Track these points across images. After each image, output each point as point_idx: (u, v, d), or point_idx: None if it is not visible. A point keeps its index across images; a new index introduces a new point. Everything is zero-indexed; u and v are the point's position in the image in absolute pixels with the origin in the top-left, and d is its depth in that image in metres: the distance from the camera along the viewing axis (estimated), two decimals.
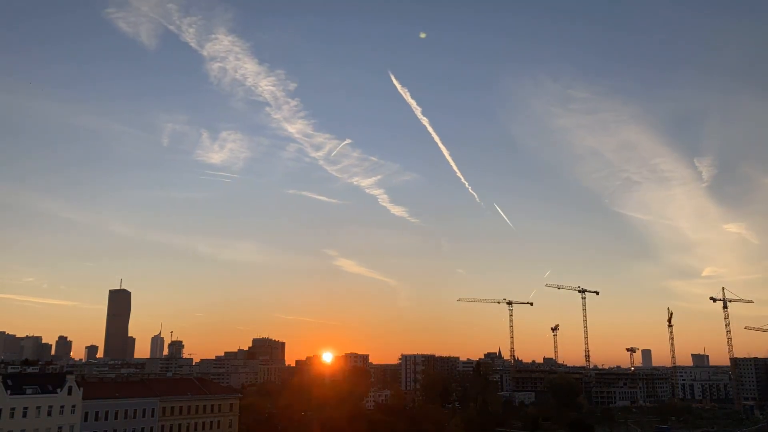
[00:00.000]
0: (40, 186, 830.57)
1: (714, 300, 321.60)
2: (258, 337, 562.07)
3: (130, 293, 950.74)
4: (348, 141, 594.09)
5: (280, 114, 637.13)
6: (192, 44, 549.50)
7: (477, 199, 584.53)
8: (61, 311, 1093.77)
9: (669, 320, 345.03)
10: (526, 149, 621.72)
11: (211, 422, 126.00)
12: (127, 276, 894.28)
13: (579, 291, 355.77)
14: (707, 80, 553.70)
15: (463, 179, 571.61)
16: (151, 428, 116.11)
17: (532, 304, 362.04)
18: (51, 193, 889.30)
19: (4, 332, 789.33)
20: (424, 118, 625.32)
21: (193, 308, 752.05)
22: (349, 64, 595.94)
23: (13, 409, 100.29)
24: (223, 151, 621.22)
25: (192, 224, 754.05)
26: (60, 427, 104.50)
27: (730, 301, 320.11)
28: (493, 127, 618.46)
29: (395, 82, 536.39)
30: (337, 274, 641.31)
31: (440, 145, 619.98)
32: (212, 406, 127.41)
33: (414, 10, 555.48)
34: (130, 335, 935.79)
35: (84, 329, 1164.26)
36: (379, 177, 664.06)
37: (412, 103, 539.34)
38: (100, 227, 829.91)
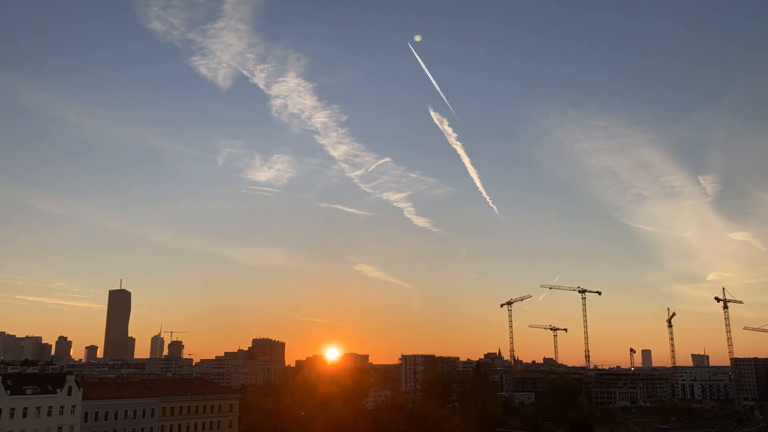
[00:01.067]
0: (79, 194, 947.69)
1: (718, 300, 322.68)
2: (258, 337, 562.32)
3: (130, 293, 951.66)
4: (387, 159, 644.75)
5: (328, 140, 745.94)
6: (260, 85, 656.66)
7: (496, 212, 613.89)
8: (61, 311, 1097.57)
9: (669, 321, 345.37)
10: (546, 168, 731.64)
11: (211, 422, 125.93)
12: (159, 281, 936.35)
13: (579, 291, 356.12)
14: (716, 109, 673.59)
15: (485, 194, 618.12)
16: (151, 428, 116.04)
17: (530, 296, 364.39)
18: (77, 198, 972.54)
19: (4, 332, 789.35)
20: (457, 143, 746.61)
21: (206, 309, 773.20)
22: (396, 99, 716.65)
23: (12, 409, 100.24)
24: (271, 170, 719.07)
25: (223, 232, 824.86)
26: (60, 428, 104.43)
27: (730, 301, 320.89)
28: (516, 149, 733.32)
29: (433, 114, 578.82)
30: (355, 278, 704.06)
31: (468, 165, 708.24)
32: (212, 406, 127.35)
33: (451, 53, 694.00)
34: (130, 335, 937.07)
35: (84, 329, 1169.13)
36: (408, 193, 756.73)
37: (448, 130, 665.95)
38: (133, 233, 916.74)
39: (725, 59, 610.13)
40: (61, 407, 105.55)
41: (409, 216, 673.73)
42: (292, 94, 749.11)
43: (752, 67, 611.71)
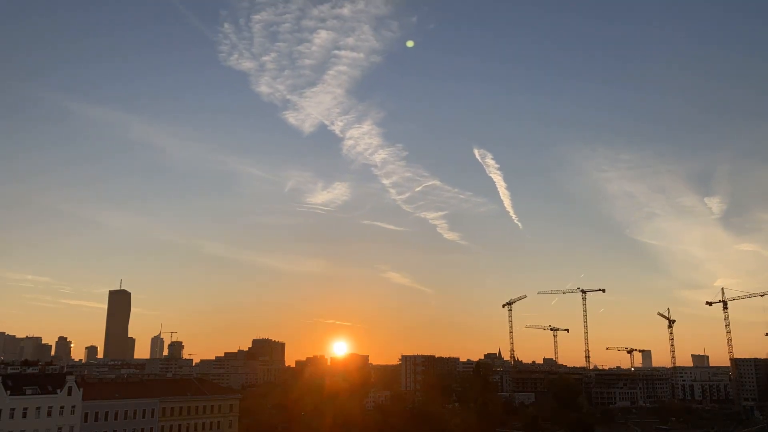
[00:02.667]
0: (115, 200, 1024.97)
1: (710, 304, 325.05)
2: (258, 337, 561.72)
3: (130, 294, 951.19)
4: (433, 182, 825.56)
5: (384, 171, 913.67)
6: (336, 132, 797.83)
7: (520, 227, 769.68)
8: (61, 311, 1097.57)
9: (669, 321, 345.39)
10: (570, 191, 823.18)
11: (211, 423, 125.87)
12: (183, 285, 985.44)
13: (580, 291, 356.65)
14: (725, 144, 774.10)
15: (512, 213, 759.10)
16: (151, 429, 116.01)
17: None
18: (116, 205, 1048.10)
19: (4, 333, 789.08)
20: (496, 173, 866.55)
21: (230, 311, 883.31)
22: (447, 136, 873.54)
23: (12, 409, 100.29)
24: (329, 194, 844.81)
25: (265, 243, 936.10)
26: (60, 428, 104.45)
27: (733, 300, 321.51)
28: (547, 177, 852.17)
29: (476, 151, 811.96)
30: (381, 284, 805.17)
31: (502, 190, 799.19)
32: (212, 406, 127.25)
33: (493, 97, 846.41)
34: (130, 335, 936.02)
35: (84, 330, 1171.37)
36: (445, 212, 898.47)
37: (490, 162, 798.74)
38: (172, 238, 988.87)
39: (735, 105, 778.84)
40: (61, 407, 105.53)
41: (441, 231, 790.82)
42: (364, 137, 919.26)
43: (756, 110, 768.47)
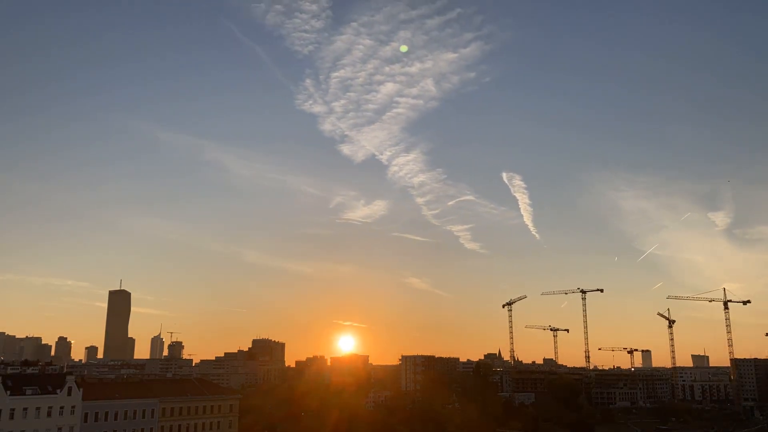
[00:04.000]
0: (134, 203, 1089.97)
1: (711, 301, 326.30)
2: (258, 337, 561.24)
3: (130, 294, 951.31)
4: (467, 198, 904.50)
5: (420, 191, 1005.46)
6: (384, 161, 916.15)
7: (537, 238, 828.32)
8: (61, 312, 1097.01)
9: (669, 322, 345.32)
10: (587, 208, 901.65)
11: (211, 423, 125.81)
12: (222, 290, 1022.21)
13: (580, 292, 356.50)
14: (733, 165, 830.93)
15: (531, 226, 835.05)
16: (151, 429, 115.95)
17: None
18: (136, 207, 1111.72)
19: (4, 333, 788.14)
20: (522, 192, 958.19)
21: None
22: (481, 161, 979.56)
23: (12, 409, 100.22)
24: (368, 210, 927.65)
25: (301, 249, 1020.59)
26: (60, 428, 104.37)
27: (731, 301, 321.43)
28: (565, 194, 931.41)
29: (504, 174, 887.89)
30: (402, 288, 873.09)
31: (524, 207, 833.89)
32: (212, 406, 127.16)
33: (524, 129, 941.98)
34: (130, 336, 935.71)
35: (84, 330, 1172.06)
36: (470, 225, 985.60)
37: (517, 183, 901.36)
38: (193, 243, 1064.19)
39: (740, 136, 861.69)
40: (61, 408, 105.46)
41: (463, 241, 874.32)
42: (409, 163, 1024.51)
43: (760, 139, 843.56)
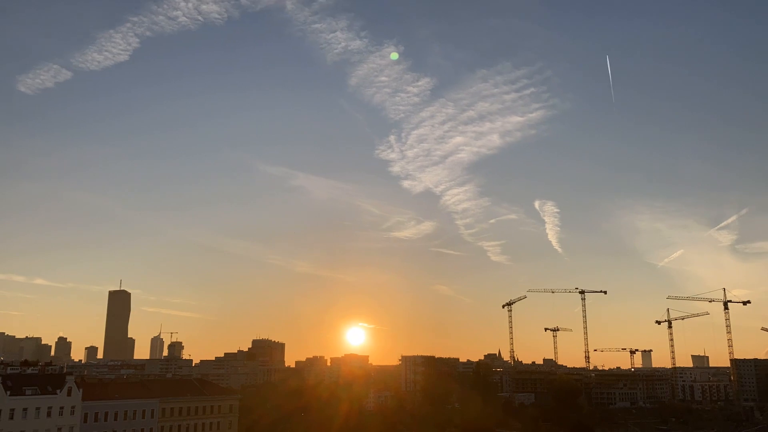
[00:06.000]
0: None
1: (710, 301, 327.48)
2: (258, 338, 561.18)
3: (129, 294, 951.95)
4: (505, 217, 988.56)
5: (462, 215, 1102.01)
6: (437, 193, 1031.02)
7: (559, 252, 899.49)
8: (61, 312, 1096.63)
9: (669, 321, 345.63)
10: (607, 229, 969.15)
11: (211, 423, 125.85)
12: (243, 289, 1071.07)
13: (579, 292, 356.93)
14: (743, 191, 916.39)
15: (554, 242, 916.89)
16: (151, 429, 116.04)
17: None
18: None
19: (4, 333, 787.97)
20: (553, 219, 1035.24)
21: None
22: (522, 193, 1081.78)
23: (12, 409, 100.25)
24: (416, 230, 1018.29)
25: (342, 259, 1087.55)
26: (59, 428, 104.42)
27: (731, 301, 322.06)
28: (591, 217, 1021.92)
29: (537, 204, 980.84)
30: (429, 294, 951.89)
31: (550, 226, 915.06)
32: (212, 407, 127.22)
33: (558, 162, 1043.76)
34: (129, 336, 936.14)
35: (84, 330, 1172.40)
36: (503, 241, 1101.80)
37: (548, 209, 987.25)
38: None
39: (749, 166, 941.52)
40: (61, 408, 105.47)
41: (491, 255, 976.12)
42: (460, 194, 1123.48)
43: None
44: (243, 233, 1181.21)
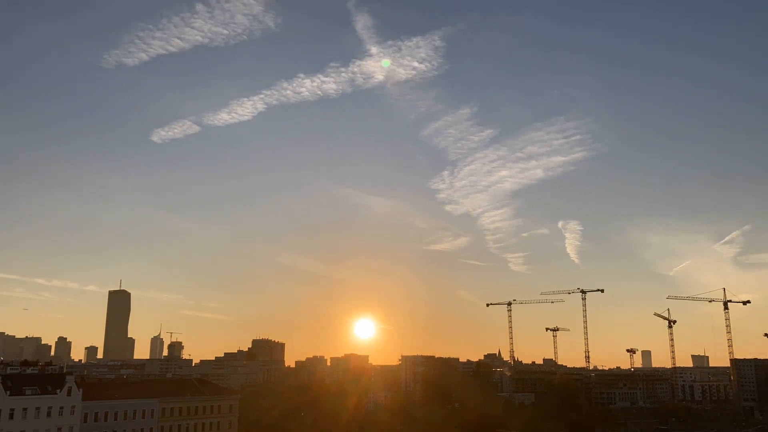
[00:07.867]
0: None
1: (710, 301, 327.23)
2: (258, 337, 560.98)
3: (129, 294, 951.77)
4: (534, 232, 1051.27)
5: (493, 232, 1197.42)
6: (474, 215, 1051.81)
7: (576, 263, 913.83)
8: (61, 312, 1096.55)
9: (669, 322, 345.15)
10: (621, 242, 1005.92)
11: (211, 423, 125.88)
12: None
13: (580, 292, 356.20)
14: (746, 208, 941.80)
15: (572, 254, 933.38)
16: (151, 429, 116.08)
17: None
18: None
19: (4, 333, 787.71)
20: (574, 236, 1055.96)
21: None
22: (550, 213, 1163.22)
23: (12, 409, 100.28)
24: (450, 244, 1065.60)
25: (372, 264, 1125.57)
26: (59, 428, 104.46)
27: (730, 301, 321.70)
28: (611, 234, 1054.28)
29: (560, 224, 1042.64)
30: (450, 300, 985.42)
31: (570, 242, 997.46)
32: (212, 407, 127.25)
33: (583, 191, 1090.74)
34: (129, 336, 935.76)
35: (84, 330, 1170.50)
36: (527, 253, 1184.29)
37: (575, 229, 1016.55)
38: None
39: (754, 182, 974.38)
40: (61, 408, 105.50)
41: (511, 265, 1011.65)
42: (495, 215, 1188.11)
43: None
44: (244, 233, 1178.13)
